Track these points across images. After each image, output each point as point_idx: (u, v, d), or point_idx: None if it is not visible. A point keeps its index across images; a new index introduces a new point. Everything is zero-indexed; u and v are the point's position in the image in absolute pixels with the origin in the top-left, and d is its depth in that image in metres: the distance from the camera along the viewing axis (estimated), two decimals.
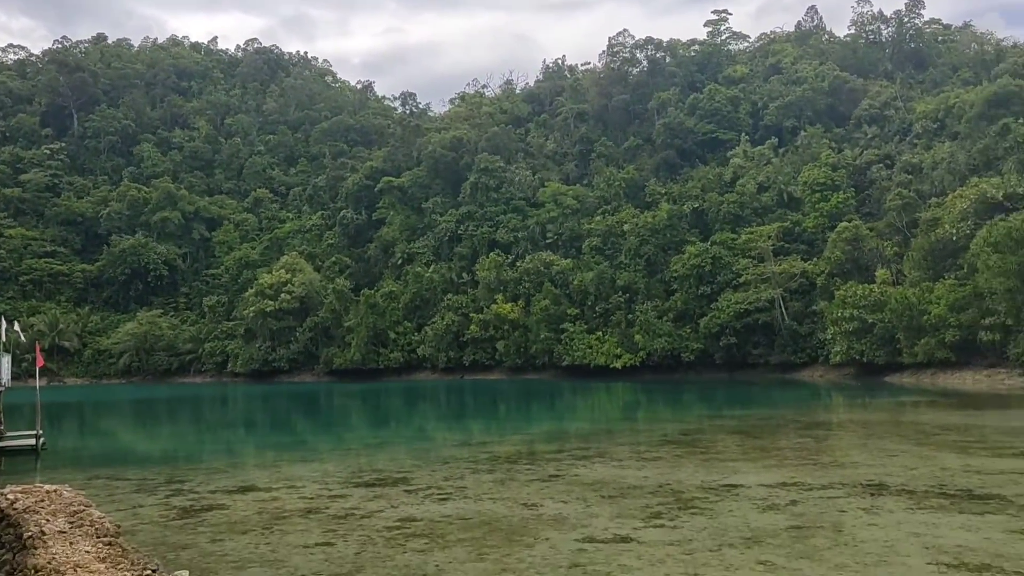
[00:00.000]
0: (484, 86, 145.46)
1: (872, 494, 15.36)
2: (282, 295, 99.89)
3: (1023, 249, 57.01)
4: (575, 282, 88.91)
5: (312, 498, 16.96)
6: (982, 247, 59.40)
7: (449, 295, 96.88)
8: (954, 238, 63.99)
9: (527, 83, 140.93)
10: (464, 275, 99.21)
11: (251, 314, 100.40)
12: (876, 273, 70.25)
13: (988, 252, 58.62)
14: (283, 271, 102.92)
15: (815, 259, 78.64)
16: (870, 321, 66.46)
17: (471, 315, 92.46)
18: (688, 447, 24.09)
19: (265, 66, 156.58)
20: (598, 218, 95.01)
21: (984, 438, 24.35)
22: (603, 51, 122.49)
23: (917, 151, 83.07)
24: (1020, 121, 69.88)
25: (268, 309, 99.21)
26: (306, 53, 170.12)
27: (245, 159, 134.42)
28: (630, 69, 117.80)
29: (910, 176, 79.31)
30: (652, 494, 16.08)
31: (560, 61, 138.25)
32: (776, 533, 12.41)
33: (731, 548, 11.61)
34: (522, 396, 61.72)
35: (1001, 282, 57.79)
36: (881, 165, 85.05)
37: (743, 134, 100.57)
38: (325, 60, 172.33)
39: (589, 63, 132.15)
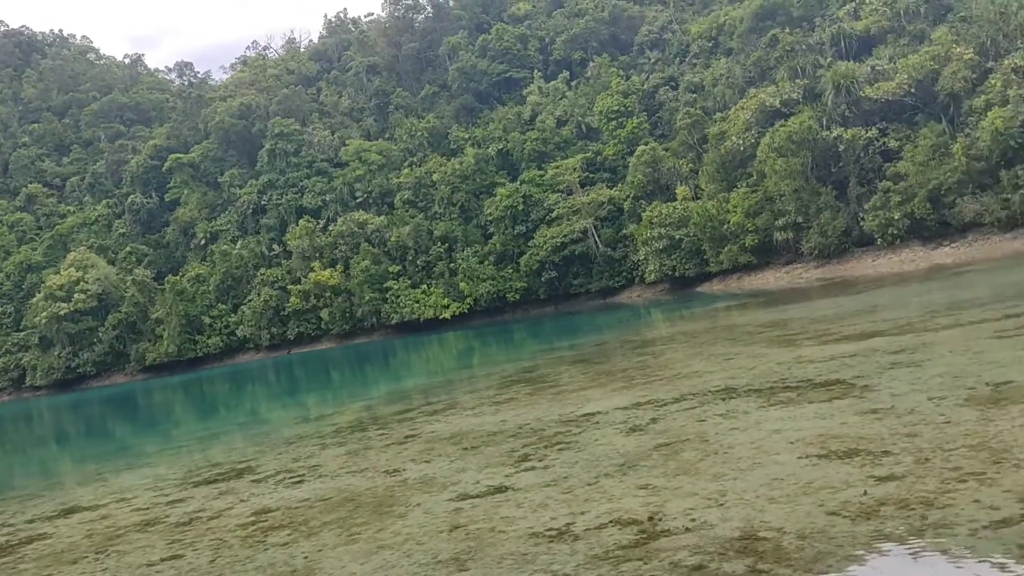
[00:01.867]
0: (266, 48, 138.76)
1: (724, 399, 15.69)
2: (76, 295, 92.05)
3: (803, 151, 61.26)
4: (392, 238, 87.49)
5: (147, 508, 15.34)
6: (767, 153, 63.31)
7: (262, 270, 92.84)
8: (741, 148, 67.75)
9: (311, 40, 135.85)
10: (275, 247, 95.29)
11: (43, 320, 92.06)
12: (676, 191, 73.44)
13: (773, 157, 62.57)
14: (72, 269, 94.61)
15: (620, 185, 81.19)
16: (677, 237, 69.63)
17: (289, 287, 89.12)
18: (535, 384, 24.00)
19: (17, 50, 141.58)
20: (406, 171, 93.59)
21: (803, 329, 25.82)
22: (385, 0, 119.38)
23: (697, 70, 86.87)
24: (786, 31, 74.42)
25: (62, 312, 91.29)
26: (61, 31, 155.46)
27: (9, 153, 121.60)
28: (415, 16, 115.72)
29: (695, 95, 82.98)
30: (514, 437, 15.69)
31: (342, 14, 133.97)
32: (647, 454, 12.30)
33: (608, 478, 11.37)
34: (355, 361, 60.28)
35: (788, 184, 61.98)
36: (667, 87, 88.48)
37: (535, 71, 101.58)
38: (84, 36, 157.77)
39: (372, 14, 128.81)
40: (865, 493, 8.69)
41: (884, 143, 59.94)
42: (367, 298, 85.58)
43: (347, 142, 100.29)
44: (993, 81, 54.90)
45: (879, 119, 61.29)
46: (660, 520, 9.14)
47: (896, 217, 56.29)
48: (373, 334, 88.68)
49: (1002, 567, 6.49)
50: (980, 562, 6.64)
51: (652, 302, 66.99)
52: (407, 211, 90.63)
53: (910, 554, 7.04)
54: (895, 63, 61.83)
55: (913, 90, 59.15)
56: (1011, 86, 53.31)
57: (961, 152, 53.84)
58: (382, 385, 36.71)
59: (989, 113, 52.76)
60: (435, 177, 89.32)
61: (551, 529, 9.60)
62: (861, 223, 58.93)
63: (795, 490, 9.26)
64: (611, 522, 9.42)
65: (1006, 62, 55.13)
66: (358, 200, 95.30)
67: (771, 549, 7.74)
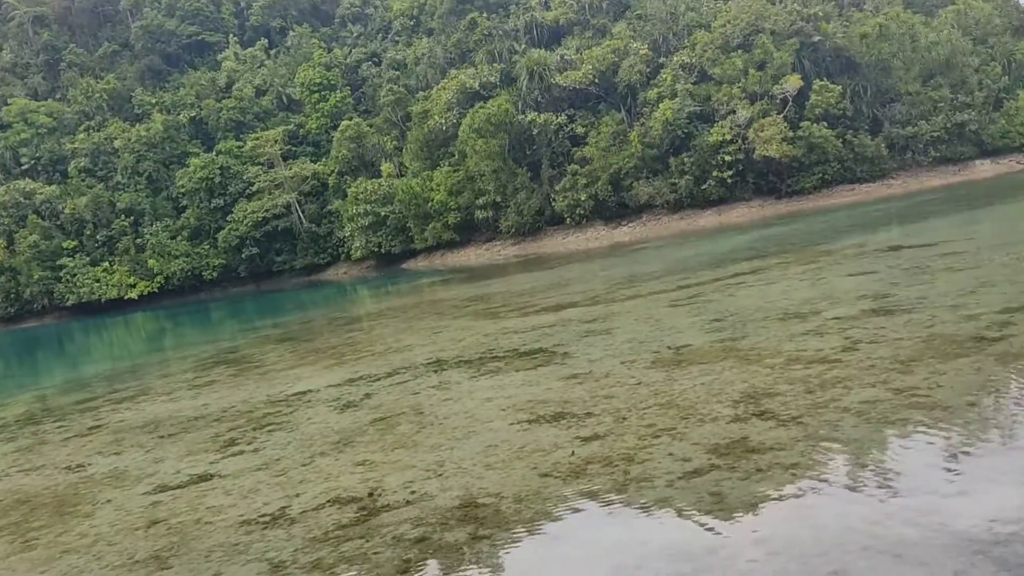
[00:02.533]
0: None
1: (435, 371, 15.90)
2: None
3: (501, 133, 63.96)
4: (67, 210, 78.85)
5: None
6: (468, 134, 65.28)
7: None
8: (443, 127, 69.27)
9: None
10: None
11: None
12: (381, 167, 73.51)
13: (473, 138, 64.66)
14: None
15: (324, 159, 79.64)
16: (383, 214, 69.80)
17: None
18: (239, 365, 22.80)
19: None
20: (82, 136, 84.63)
21: (505, 302, 26.97)
22: None
23: (400, 48, 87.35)
24: (484, 16, 76.97)
25: None
26: None
27: None
28: None
29: (397, 72, 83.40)
30: (218, 421, 14.73)
31: None
32: (363, 430, 12.10)
33: (324, 457, 11.01)
34: (22, 348, 53.67)
35: (487, 164, 64.41)
36: (370, 63, 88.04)
37: (231, 36, 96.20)
38: None
39: None
40: (573, 454, 9.17)
41: (572, 128, 64.31)
42: (36, 277, 76.56)
43: (10, 101, 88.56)
44: (664, 75, 60.91)
45: (568, 105, 65.60)
46: (380, 495, 9.00)
47: (583, 198, 60.74)
48: (45, 317, 79.62)
49: (696, 513, 7.12)
50: (678, 510, 7.24)
51: (359, 279, 66.67)
52: (84, 180, 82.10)
53: (617, 507, 7.51)
54: (581, 54, 66.37)
55: (597, 80, 63.93)
56: (679, 80, 59.50)
57: (637, 140, 59.24)
58: (57, 373, 32.94)
59: (660, 105, 58.51)
60: (117, 144, 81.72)
61: (264, 515, 9.08)
62: (553, 203, 62.87)
63: (509, 455, 9.55)
64: (329, 502, 9.11)
65: (675, 58, 61.43)
66: (23, 167, 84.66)
67: (491, 514, 7.90)
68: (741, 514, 6.92)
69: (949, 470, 7.08)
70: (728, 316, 16.36)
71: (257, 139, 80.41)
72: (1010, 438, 7.60)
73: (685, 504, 7.30)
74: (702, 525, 6.84)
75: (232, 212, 77.57)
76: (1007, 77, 64.03)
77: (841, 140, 56.84)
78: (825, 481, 7.32)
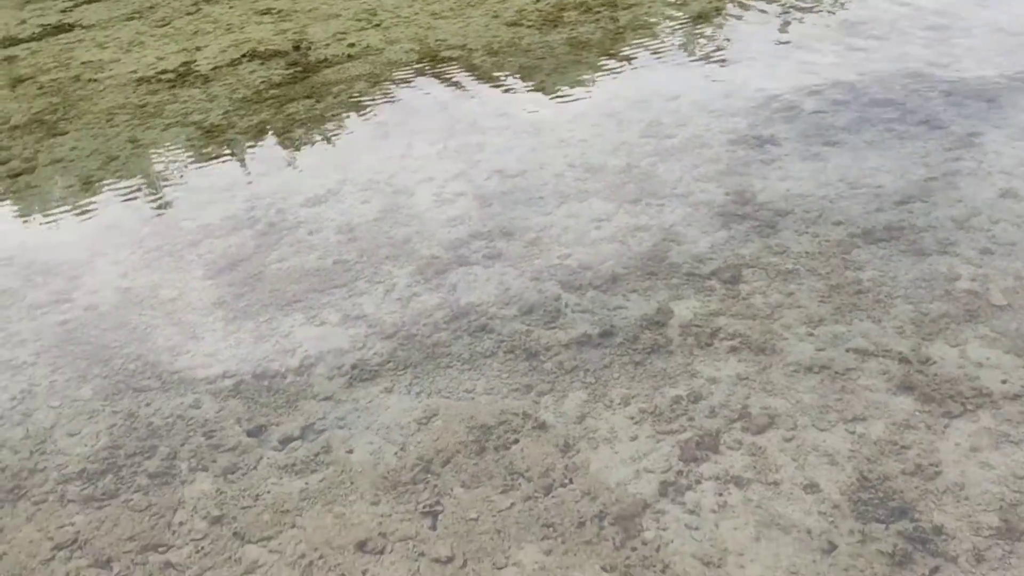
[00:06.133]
0: None
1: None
2: None
3: None
4: None
5: None
6: None
7: None
8: None
9: None
10: None
11: None
12: None
13: None
14: None
15: None
16: None
17: None
18: None
19: None
20: None
21: None
22: None
23: None
24: None
25: None
26: None
27: None
28: None
29: None
30: None
31: None
32: None
33: (212, 4, 9.02)
34: None
35: None
36: None
37: None
38: None
39: None
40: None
41: None
42: None
43: None
44: None
45: None
46: (309, 50, 7.46)
47: None
48: None
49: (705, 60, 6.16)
50: (689, 54, 6.26)
51: None
52: None
53: (624, 59, 6.44)
54: None
55: None
56: None
57: None
58: None
59: None
60: None
61: (166, 71, 7.42)
62: None
63: (458, 3, 8.05)
64: (245, 57, 7.50)
65: None
66: None
67: (468, 68, 6.65)
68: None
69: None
70: None
71: None
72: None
73: (698, 46, 6.32)
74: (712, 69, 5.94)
75: None
76: None
77: None
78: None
